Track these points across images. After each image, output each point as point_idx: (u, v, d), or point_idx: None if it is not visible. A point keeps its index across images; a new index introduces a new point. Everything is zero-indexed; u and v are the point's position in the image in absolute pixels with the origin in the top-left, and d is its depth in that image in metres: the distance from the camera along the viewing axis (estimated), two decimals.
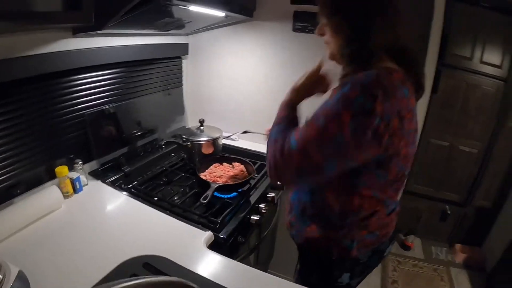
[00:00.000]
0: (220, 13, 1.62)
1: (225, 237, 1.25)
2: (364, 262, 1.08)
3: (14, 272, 0.93)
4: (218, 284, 0.98)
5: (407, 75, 0.90)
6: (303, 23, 1.85)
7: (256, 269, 1.09)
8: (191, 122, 2.33)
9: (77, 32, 1.39)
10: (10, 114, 1.23)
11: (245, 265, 1.11)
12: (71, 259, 1.06)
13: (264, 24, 1.97)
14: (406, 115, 0.84)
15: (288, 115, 1.07)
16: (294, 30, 1.90)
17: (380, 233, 1.04)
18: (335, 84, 1.00)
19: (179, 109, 2.23)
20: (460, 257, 2.87)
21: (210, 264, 1.09)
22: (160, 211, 1.35)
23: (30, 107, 1.31)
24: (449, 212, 2.98)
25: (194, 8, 1.40)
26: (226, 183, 1.52)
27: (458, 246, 2.98)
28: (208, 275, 1.01)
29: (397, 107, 0.82)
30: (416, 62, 0.97)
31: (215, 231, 1.26)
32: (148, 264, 1.05)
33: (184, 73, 2.28)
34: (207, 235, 1.22)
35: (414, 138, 0.94)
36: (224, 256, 1.13)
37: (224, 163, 1.74)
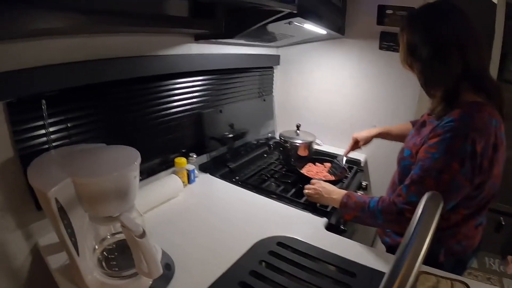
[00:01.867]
0: (322, 31, 1.85)
1: (333, 223, 1.42)
2: (447, 271, 1.16)
3: (158, 248, 1.09)
4: (345, 258, 1.14)
5: (490, 103, 1.02)
6: (389, 42, 2.07)
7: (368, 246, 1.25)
8: (280, 127, 2.58)
9: (199, 38, 1.64)
10: (135, 106, 1.45)
11: (359, 243, 1.27)
12: (203, 240, 1.22)
13: (352, 42, 2.21)
14: (498, 143, 0.99)
15: (358, 203, 1.22)
16: (380, 48, 2.11)
17: (466, 244, 1.12)
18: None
19: (270, 114, 2.51)
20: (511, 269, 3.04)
21: (331, 242, 1.25)
22: (274, 200, 1.55)
23: (150, 103, 1.52)
24: (503, 223, 3.17)
25: (308, 26, 1.63)
26: (326, 179, 1.68)
27: (510, 258, 3.14)
28: (334, 251, 1.17)
29: (492, 140, 0.97)
30: (498, 90, 1.04)
31: (328, 218, 1.43)
32: (282, 243, 1.21)
33: (274, 82, 2.58)
34: (323, 221, 1.41)
35: (503, 158, 1.06)
36: (340, 236, 1.31)
37: (317, 163, 1.96)
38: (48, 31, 1.02)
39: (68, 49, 1.14)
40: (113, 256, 1.02)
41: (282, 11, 1.28)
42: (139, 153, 0.95)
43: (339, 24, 2.05)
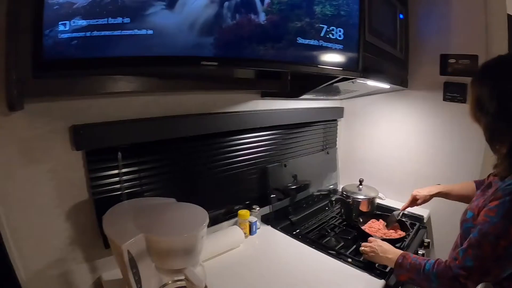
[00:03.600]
0: (386, 85, 1.92)
1: (391, 285, 1.41)
2: None
3: None
4: None
5: None
6: (453, 93, 2.04)
7: None
8: (342, 180, 2.62)
9: (265, 95, 1.79)
10: (203, 160, 1.60)
11: None
12: None
13: (416, 93, 2.22)
14: None
15: (414, 265, 1.23)
16: (444, 99, 2.09)
17: None
18: None
19: (333, 167, 2.56)
20: None
21: None
22: (333, 257, 1.57)
23: (217, 157, 1.67)
24: None
25: (371, 83, 1.70)
26: (387, 237, 1.70)
27: None
28: None
29: None
30: None
31: (386, 280, 1.42)
32: None
33: (338, 134, 2.64)
34: (381, 283, 1.40)
35: None
36: None
37: (380, 219, 1.95)
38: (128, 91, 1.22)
39: (144, 105, 1.34)
40: None
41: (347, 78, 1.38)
42: (207, 214, 1.06)
43: (402, 77, 2.09)
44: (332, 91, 2.01)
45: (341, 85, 1.69)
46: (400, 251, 1.33)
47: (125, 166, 1.32)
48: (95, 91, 1.17)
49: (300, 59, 1.24)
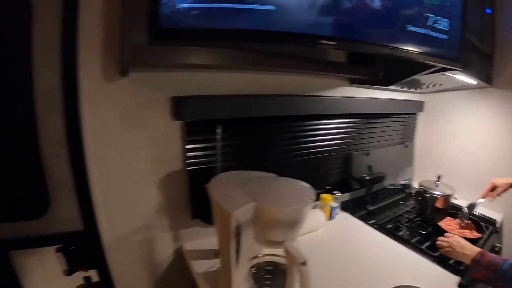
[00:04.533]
0: (473, 81, 1.93)
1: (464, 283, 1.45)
2: None
3: None
4: None
5: None
6: None
7: None
8: (417, 175, 2.71)
9: (354, 82, 1.89)
10: (287, 141, 1.74)
11: None
12: (339, 273, 1.37)
13: (500, 92, 2.20)
14: None
15: (491, 263, 1.30)
16: None
17: None
18: None
19: (409, 161, 2.64)
20: None
21: None
22: (408, 248, 1.66)
23: (300, 139, 1.81)
24: None
25: (460, 77, 1.73)
26: (464, 235, 1.74)
27: None
28: None
29: None
30: None
31: (461, 276, 1.46)
32: None
33: (416, 129, 2.70)
34: (456, 279, 1.44)
35: None
36: None
37: (455, 218, 2.01)
38: (229, 65, 1.34)
39: (241, 82, 1.47)
40: (262, 274, 1.25)
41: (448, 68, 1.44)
42: (313, 189, 1.17)
43: (487, 74, 2.09)
44: (416, 84, 2.05)
45: (429, 78, 1.74)
46: (478, 249, 1.38)
47: (216, 140, 1.45)
48: (201, 65, 1.30)
49: (409, 46, 1.31)
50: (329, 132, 1.93)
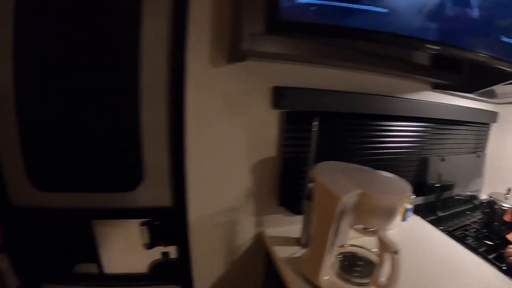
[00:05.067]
0: None
1: None
2: None
3: None
4: None
5: None
6: None
7: None
8: (486, 188, 2.72)
9: (437, 87, 1.95)
10: (364, 139, 1.84)
11: None
12: (408, 274, 1.42)
13: None
14: None
15: None
16: None
17: None
18: None
19: (479, 172, 2.66)
20: None
21: None
22: (477, 256, 1.71)
23: (376, 139, 1.91)
24: None
25: None
26: None
27: None
28: None
29: None
30: None
31: None
32: None
33: (488, 140, 2.69)
34: None
35: None
36: None
37: None
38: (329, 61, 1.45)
39: (337, 78, 1.56)
40: (345, 263, 1.35)
41: None
42: (409, 184, 1.24)
43: None
44: (492, 93, 2.08)
45: (508, 88, 1.78)
46: None
47: (309, 131, 1.57)
48: (305, 58, 1.41)
49: (502, 55, 1.38)
50: (406, 134, 2.01)
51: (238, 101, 1.44)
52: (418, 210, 2.07)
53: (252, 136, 1.50)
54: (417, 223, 2.01)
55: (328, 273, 1.29)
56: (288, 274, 1.38)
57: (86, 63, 1.37)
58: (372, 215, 1.20)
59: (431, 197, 2.22)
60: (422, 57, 1.82)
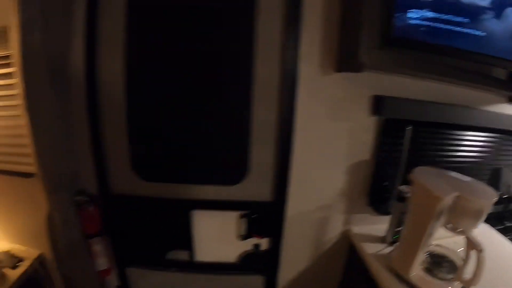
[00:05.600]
0: None
1: None
2: None
3: None
4: None
5: None
6: None
7: None
8: None
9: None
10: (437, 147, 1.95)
11: None
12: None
13: None
14: None
15: None
16: None
17: None
18: None
19: None
20: None
21: None
22: None
23: (447, 147, 2.01)
24: None
25: None
26: None
27: None
28: None
29: None
30: None
31: None
32: None
33: None
34: None
35: None
36: None
37: None
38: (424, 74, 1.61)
39: (427, 90, 1.72)
40: (432, 260, 1.50)
41: None
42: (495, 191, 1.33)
43: None
44: None
45: None
46: None
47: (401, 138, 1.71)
48: (412, 71, 1.59)
49: None
50: (481, 144, 2.13)
51: (341, 107, 1.63)
52: (487, 219, 2.07)
53: (351, 139, 1.68)
54: (486, 231, 2.13)
55: (417, 269, 1.44)
56: (377, 269, 1.55)
57: (202, 64, 1.61)
58: (463, 216, 1.36)
59: (499, 207, 2.34)
60: (500, 72, 1.94)
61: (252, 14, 1.48)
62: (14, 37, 1.42)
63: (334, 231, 1.90)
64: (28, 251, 2.18)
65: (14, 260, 2.06)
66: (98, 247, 1.98)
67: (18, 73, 1.46)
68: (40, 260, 2.14)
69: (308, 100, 1.58)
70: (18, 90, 1.56)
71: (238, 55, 1.55)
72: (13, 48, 1.45)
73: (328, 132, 1.68)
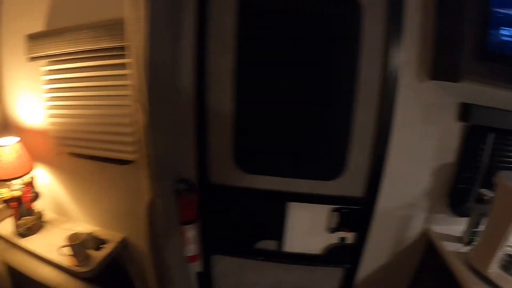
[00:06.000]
0: None
1: None
2: None
3: None
4: None
5: None
6: None
7: None
8: None
9: None
10: None
11: None
12: None
13: None
14: None
15: None
16: None
17: None
18: None
19: None
20: None
21: None
22: None
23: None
24: None
25: None
26: None
27: None
28: None
29: None
30: None
31: None
32: None
33: None
34: None
35: None
36: None
37: None
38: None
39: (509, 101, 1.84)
40: (508, 259, 1.65)
41: None
42: None
43: None
44: None
45: None
46: None
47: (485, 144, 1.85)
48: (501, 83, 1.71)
49: None
50: None
51: (431, 112, 1.80)
52: None
53: (438, 142, 1.86)
54: None
55: (494, 267, 1.59)
56: (456, 265, 1.71)
57: (309, 64, 1.83)
58: None
59: None
60: None
61: (358, 21, 1.70)
62: (132, 28, 1.60)
63: (414, 229, 2.05)
64: (111, 234, 2.40)
65: (98, 242, 2.27)
66: (191, 233, 2.15)
67: (140, 66, 1.63)
68: (123, 244, 2.35)
69: (404, 104, 1.76)
70: (129, 81, 1.77)
71: (345, 59, 1.77)
72: (130, 40, 1.62)
73: (418, 134, 1.85)
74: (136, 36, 1.58)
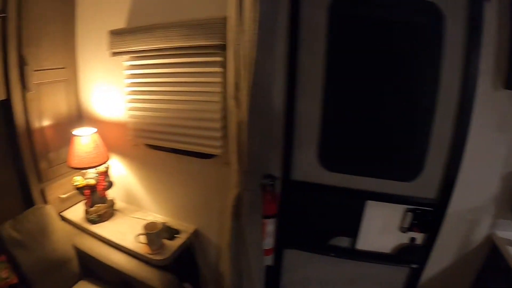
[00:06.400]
0: None
1: None
2: None
3: None
4: None
5: None
6: None
7: None
8: None
9: None
10: None
11: None
12: None
13: None
14: None
15: None
16: None
17: None
18: None
19: None
20: None
21: None
22: None
23: None
24: None
25: None
26: None
27: None
28: None
29: None
30: None
31: None
32: None
33: None
34: None
35: None
36: None
37: None
38: None
39: None
40: None
41: None
42: None
43: None
44: None
45: None
46: None
47: None
48: None
49: None
50: None
51: (505, 120, 1.91)
52: None
53: (509, 150, 1.97)
54: None
55: None
56: None
57: (394, 70, 1.97)
58: None
59: None
60: None
61: (441, 30, 1.83)
62: (236, 28, 1.75)
63: (480, 232, 2.13)
64: (183, 226, 2.61)
65: (172, 232, 2.47)
66: (270, 227, 2.29)
67: (242, 65, 1.79)
68: (195, 235, 2.55)
69: (480, 112, 1.87)
70: (219, 79, 1.95)
71: (428, 67, 1.91)
72: (232, 39, 1.77)
73: (491, 141, 1.95)
74: (240, 36, 1.78)
